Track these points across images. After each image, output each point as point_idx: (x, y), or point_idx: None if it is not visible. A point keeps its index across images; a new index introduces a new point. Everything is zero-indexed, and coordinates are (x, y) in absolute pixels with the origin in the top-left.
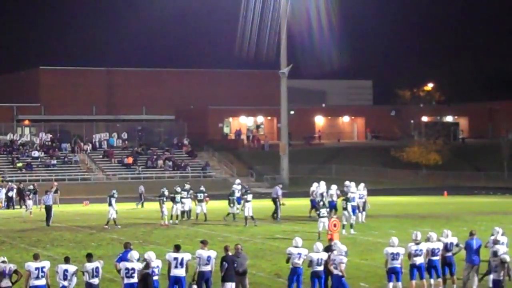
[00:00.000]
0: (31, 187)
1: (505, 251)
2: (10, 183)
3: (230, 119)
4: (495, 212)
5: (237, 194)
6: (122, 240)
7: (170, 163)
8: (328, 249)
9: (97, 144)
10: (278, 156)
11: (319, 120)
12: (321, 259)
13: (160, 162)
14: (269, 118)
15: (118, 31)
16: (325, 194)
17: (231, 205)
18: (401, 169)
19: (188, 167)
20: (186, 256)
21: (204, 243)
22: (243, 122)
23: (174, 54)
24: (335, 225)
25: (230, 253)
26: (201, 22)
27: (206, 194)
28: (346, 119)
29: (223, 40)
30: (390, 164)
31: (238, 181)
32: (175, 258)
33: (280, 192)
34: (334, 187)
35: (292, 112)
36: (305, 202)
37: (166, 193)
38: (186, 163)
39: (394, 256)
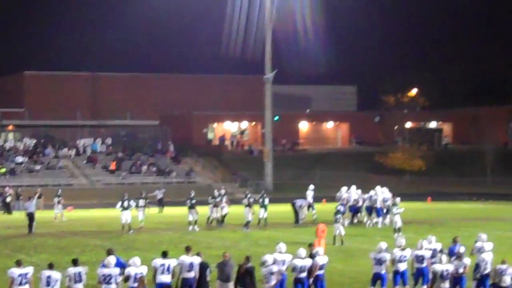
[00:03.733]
0: (60, 191)
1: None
2: (7, 187)
3: (215, 124)
4: (479, 218)
5: (310, 199)
6: (106, 246)
7: (155, 169)
8: (312, 256)
9: (81, 149)
10: (262, 162)
11: (304, 126)
12: (305, 266)
13: (144, 167)
14: (253, 123)
15: (103, 36)
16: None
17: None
18: (385, 175)
19: (173, 172)
20: (172, 263)
21: (187, 249)
22: (227, 128)
23: (158, 59)
24: (323, 231)
25: (201, 260)
26: (186, 27)
27: (224, 199)
28: (330, 124)
29: (208, 45)
30: (374, 170)
31: (312, 186)
32: (162, 265)
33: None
34: (359, 191)
35: (276, 118)
36: (288, 207)
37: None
38: (170, 169)
39: (378, 261)
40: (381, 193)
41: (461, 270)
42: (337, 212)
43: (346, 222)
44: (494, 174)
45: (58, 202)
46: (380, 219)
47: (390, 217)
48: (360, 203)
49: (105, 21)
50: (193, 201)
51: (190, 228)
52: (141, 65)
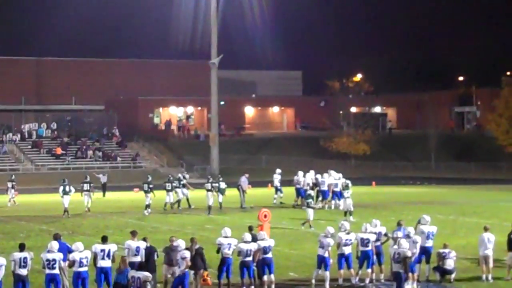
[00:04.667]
0: (13, 177)
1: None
2: None
3: (160, 109)
4: (422, 202)
5: (277, 183)
6: (51, 231)
7: (100, 154)
8: (255, 239)
9: (26, 134)
10: (208, 147)
11: (249, 111)
12: (250, 250)
13: (90, 152)
14: (199, 108)
15: (48, 21)
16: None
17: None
18: (330, 159)
19: (118, 157)
20: (112, 248)
21: (133, 234)
22: (173, 113)
23: (104, 44)
24: (265, 216)
25: (148, 244)
26: (132, 11)
27: (174, 184)
28: (276, 109)
29: (154, 30)
30: (320, 154)
31: (278, 170)
32: (102, 250)
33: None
34: (326, 175)
35: (222, 103)
36: (235, 192)
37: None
38: (116, 154)
39: (321, 244)
40: (338, 177)
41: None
42: (308, 196)
43: (320, 205)
44: (437, 159)
45: (12, 187)
46: (340, 202)
47: (342, 201)
48: (323, 187)
49: (50, 5)
50: (150, 186)
51: (145, 211)
52: (87, 50)
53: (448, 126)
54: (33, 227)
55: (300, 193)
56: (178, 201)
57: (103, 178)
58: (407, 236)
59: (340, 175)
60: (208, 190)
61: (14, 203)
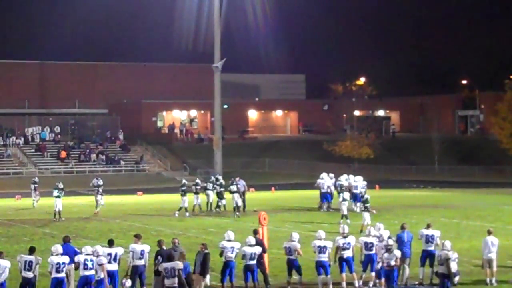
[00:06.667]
0: (36, 179)
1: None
2: None
3: (164, 113)
4: (426, 206)
5: (328, 190)
6: (54, 235)
7: (104, 157)
8: (259, 243)
9: (29, 138)
10: (211, 150)
11: (253, 114)
12: (254, 253)
13: (93, 156)
14: (202, 112)
15: (51, 24)
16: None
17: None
18: (334, 163)
19: (122, 161)
20: (119, 251)
21: (137, 237)
22: (176, 116)
23: (107, 47)
24: (265, 219)
25: (164, 247)
26: (135, 14)
27: (199, 187)
28: (279, 113)
29: (157, 33)
30: (323, 158)
31: (331, 174)
32: (109, 254)
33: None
34: (343, 178)
35: (225, 106)
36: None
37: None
38: (119, 157)
39: (321, 249)
40: (358, 180)
41: (392, 263)
42: (366, 200)
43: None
44: (441, 162)
45: (34, 189)
46: (358, 204)
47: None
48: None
49: (53, 9)
50: (184, 188)
51: (187, 214)
52: (90, 54)
53: (460, 129)
54: (37, 231)
55: (325, 196)
56: (211, 204)
57: (99, 183)
58: (379, 239)
59: (361, 178)
60: (232, 192)
61: (33, 205)
